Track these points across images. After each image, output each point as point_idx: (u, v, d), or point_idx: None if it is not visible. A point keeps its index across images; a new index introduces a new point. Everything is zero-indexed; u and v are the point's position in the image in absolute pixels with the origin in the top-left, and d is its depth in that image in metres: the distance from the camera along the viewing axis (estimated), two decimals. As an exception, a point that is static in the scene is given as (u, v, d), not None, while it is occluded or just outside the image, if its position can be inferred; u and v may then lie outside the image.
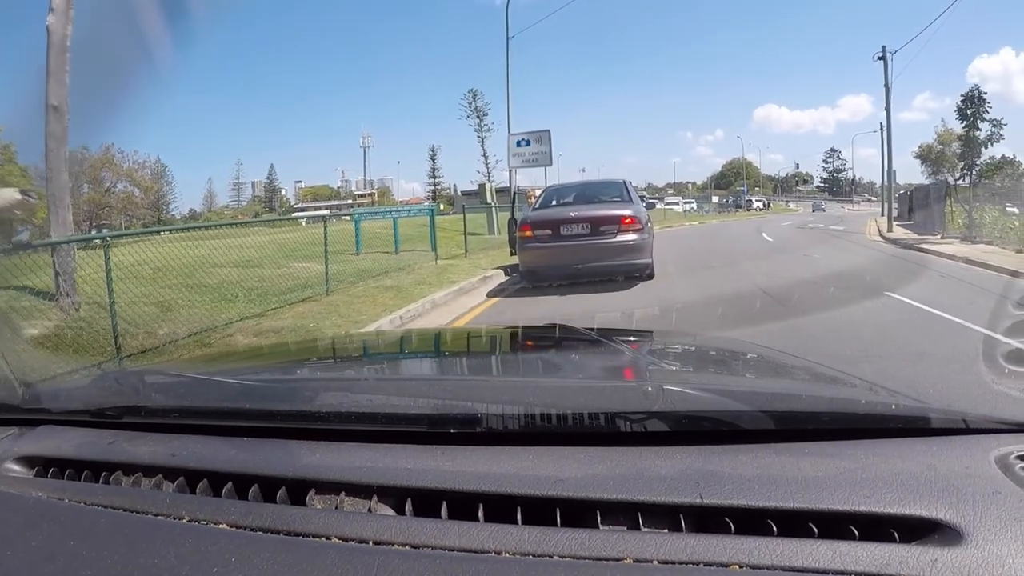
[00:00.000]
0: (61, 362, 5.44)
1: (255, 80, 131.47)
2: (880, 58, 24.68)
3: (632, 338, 2.34)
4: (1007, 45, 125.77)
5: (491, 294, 9.93)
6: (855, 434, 1.05)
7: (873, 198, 61.53)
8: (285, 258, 11.72)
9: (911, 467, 0.93)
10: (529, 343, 2.24)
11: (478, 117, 66.09)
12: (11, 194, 6.90)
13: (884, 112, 25.32)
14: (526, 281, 9.92)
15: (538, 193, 14.58)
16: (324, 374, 1.90)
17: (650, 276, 9.66)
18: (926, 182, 38.61)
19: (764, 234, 24.32)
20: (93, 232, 35.83)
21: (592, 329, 2.38)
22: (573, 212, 9.68)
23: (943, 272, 11.04)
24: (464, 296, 9.83)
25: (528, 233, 9.47)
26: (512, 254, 12.24)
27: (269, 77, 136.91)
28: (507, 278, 11.33)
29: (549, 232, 9.32)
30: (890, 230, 23.44)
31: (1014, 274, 10.20)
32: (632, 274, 9.37)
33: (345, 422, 1.14)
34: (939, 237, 19.45)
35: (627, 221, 9.17)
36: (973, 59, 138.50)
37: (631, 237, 9.12)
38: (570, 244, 9.15)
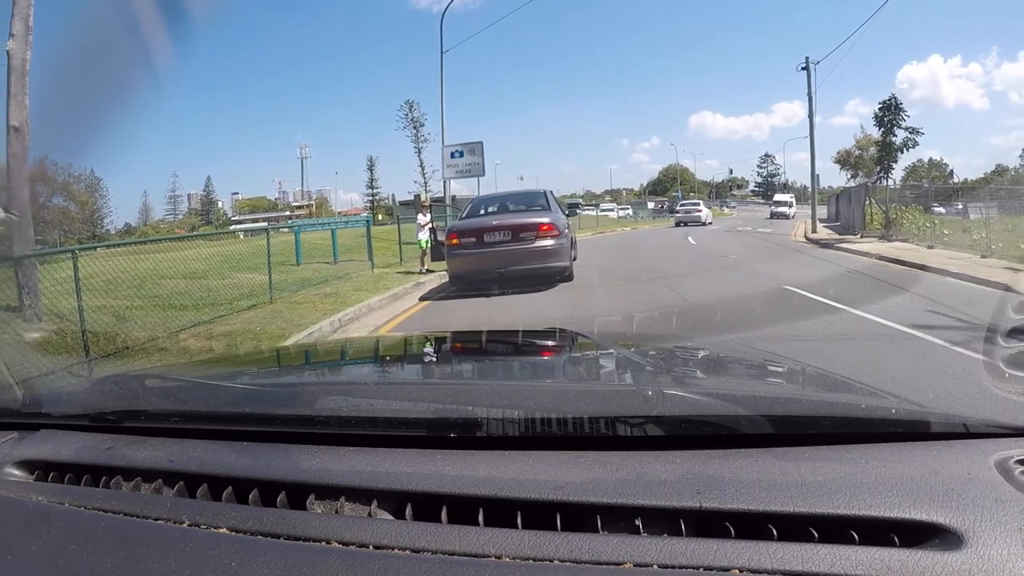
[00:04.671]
0: (43, 365, 6.19)
1: (190, 92, 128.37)
2: (803, 68, 25.72)
3: (631, 342, 2.39)
4: (936, 52, 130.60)
5: (423, 298, 10.95)
6: (855, 438, 1.05)
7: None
8: (229, 270, 12.47)
9: (911, 471, 0.94)
10: (529, 347, 2.22)
11: (415, 128, 66.92)
12: None
13: (812, 119, 25.86)
14: (455, 286, 11.00)
15: (427, 201, 16.39)
16: (324, 378, 1.93)
17: (569, 278, 10.85)
18: (851, 185, 40.20)
19: (689, 238, 25.46)
20: (37, 247, 35.04)
21: (591, 333, 2.44)
22: (495, 220, 10.81)
23: (849, 268, 12.65)
24: (398, 301, 10.82)
25: (455, 241, 10.59)
26: (433, 260, 13.72)
27: (204, 89, 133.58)
28: (438, 283, 12.34)
29: (474, 239, 10.42)
30: (814, 231, 24.56)
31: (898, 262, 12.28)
32: (552, 276, 10.52)
33: (345, 426, 1.15)
34: (859, 236, 20.95)
35: (544, 228, 10.34)
36: (903, 66, 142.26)
37: (549, 242, 10.28)
38: (493, 250, 10.24)
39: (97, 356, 6.83)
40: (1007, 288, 8.76)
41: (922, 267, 11.86)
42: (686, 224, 34.78)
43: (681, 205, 41.68)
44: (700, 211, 38.75)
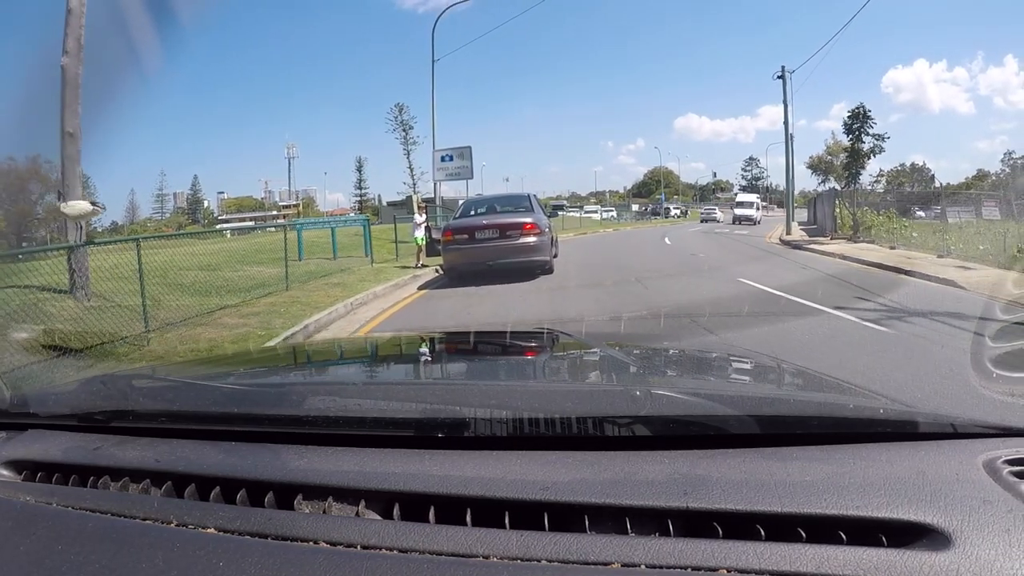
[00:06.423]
0: (103, 336, 7.41)
1: (176, 92, 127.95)
2: (779, 77, 26.59)
3: (620, 343, 2.37)
4: (921, 57, 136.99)
5: (421, 288, 12.34)
6: (843, 439, 1.04)
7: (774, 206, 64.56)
8: (238, 263, 13.85)
9: (899, 472, 0.93)
10: (517, 347, 2.23)
11: (404, 130, 67.99)
12: (86, 205, 8.83)
13: (794, 123, 25.42)
14: (449, 277, 12.47)
15: (423, 202, 18.19)
16: (312, 378, 1.93)
17: (549, 271, 12.34)
18: (822, 189, 41.53)
19: (666, 239, 26.89)
20: (24, 245, 36.13)
21: (579, 333, 2.43)
22: (485, 220, 12.34)
23: (807, 265, 14.20)
24: (399, 290, 12.17)
25: (449, 237, 12.06)
26: (428, 255, 15.27)
27: (190, 90, 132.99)
28: (433, 276, 13.70)
29: (466, 236, 11.91)
30: (788, 233, 25.56)
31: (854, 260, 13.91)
32: (534, 268, 11.97)
33: (333, 426, 1.14)
34: (829, 238, 22.29)
35: (528, 227, 11.82)
36: (888, 70, 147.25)
37: (532, 239, 11.76)
38: (483, 245, 11.72)
39: (153, 329, 7.97)
40: (952, 283, 10.10)
41: (878, 265, 13.26)
42: (707, 221, 49.61)
43: (706, 209, 60.85)
44: (715, 213, 55.03)
